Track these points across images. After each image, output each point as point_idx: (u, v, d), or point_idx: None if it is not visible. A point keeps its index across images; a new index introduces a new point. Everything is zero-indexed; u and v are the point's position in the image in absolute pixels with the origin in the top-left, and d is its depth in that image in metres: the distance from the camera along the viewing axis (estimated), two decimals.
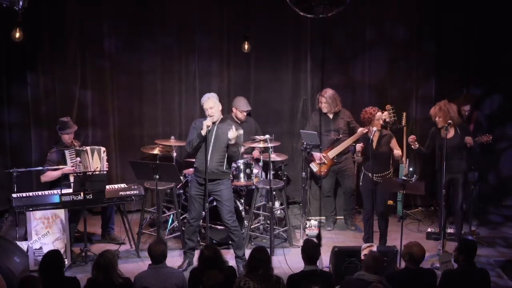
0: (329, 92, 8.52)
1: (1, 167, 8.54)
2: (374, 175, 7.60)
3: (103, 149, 8.09)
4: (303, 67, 9.48)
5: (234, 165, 8.11)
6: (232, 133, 6.98)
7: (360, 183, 7.84)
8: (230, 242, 7.43)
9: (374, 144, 7.58)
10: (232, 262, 7.31)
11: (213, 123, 7.06)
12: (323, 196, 8.76)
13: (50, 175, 7.82)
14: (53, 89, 9.07)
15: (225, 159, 7.14)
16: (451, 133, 7.61)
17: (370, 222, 7.76)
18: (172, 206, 8.31)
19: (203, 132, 6.93)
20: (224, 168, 7.17)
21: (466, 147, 7.67)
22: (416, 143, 7.70)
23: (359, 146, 7.68)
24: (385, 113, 7.95)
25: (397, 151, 7.62)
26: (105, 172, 7.75)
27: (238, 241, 7.31)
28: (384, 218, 7.76)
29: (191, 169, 7.92)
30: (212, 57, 9.37)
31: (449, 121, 7.46)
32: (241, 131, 7.17)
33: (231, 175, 7.89)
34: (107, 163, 8.09)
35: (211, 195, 7.20)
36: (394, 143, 7.69)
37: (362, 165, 7.83)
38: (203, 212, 7.33)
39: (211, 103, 7.07)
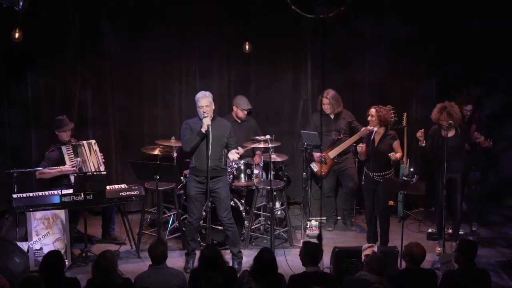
0: (331, 92, 8.50)
1: (1, 167, 8.53)
2: (374, 174, 7.60)
3: (93, 141, 8.10)
4: (303, 67, 9.48)
5: (234, 165, 8.11)
6: (233, 155, 7.13)
7: (362, 183, 7.85)
8: (227, 242, 7.45)
9: (376, 142, 7.58)
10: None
11: None
12: (323, 196, 8.74)
13: (47, 172, 7.81)
14: (53, 89, 9.06)
15: (223, 156, 7.19)
16: (451, 133, 7.59)
17: (373, 222, 7.76)
18: (173, 207, 8.31)
19: (204, 130, 6.97)
20: (223, 164, 7.23)
21: (465, 147, 7.68)
22: (424, 140, 7.66)
23: (359, 147, 7.69)
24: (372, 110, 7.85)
25: (395, 154, 7.53)
26: (105, 173, 7.75)
27: (234, 238, 7.35)
28: (384, 218, 7.75)
29: None
30: (212, 57, 9.36)
31: (450, 121, 7.46)
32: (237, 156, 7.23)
33: (231, 175, 7.93)
34: (101, 154, 8.10)
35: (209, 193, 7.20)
36: (396, 144, 7.62)
37: (363, 164, 7.84)
38: (203, 213, 7.37)
39: (207, 102, 7.11)
